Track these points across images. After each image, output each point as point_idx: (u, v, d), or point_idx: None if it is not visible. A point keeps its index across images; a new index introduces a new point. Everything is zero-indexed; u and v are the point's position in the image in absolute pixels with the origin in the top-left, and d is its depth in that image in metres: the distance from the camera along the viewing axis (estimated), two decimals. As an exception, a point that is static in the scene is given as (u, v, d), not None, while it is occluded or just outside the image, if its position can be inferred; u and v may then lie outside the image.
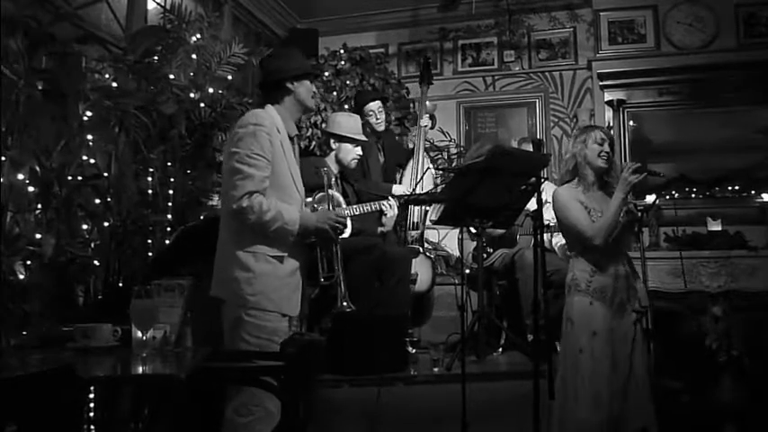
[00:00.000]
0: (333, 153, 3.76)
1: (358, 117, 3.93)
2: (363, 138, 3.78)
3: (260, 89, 2.67)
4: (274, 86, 2.54)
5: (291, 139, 2.54)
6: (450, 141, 5.82)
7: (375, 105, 4.26)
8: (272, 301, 2.33)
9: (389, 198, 3.74)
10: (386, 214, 3.71)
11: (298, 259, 2.45)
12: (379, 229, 3.89)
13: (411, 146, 4.70)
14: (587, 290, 2.73)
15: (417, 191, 3.98)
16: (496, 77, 6.07)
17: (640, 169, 2.76)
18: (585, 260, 2.78)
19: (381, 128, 4.32)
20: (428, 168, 4.31)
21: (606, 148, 2.83)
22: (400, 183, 4.32)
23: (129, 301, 2.03)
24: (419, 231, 4.29)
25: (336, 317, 3.08)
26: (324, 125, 4.69)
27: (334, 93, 5.06)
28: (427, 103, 4.50)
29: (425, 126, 4.47)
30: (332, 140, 3.76)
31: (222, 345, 2.40)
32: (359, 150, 3.76)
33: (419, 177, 4.19)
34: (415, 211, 4.29)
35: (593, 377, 2.64)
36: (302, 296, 2.51)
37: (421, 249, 4.20)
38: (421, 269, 4.06)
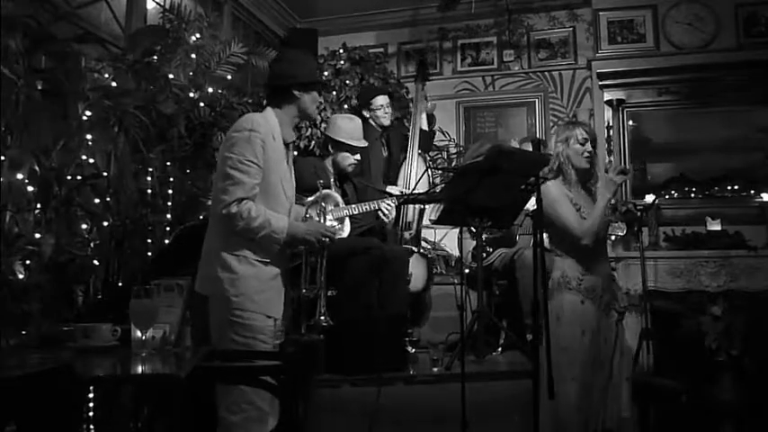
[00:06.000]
0: (331, 156, 3.77)
1: (359, 120, 3.90)
2: (362, 143, 3.77)
3: (266, 89, 2.67)
4: (280, 90, 2.54)
5: (287, 145, 2.56)
6: (449, 141, 5.82)
7: (383, 100, 4.32)
8: (256, 303, 2.37)
9: (391, 198, 3.72)
10: (386, 216, 3.70)
11: (280, 266, 2.48)
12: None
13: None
14: (578, 288, 2.73)
15: (413, 190, 3.98)
16: (496, 77, 6.07)
17: (626, 171, 2.77)
18: (573, 259, 2.78)
19: (387, 122, 4.35)
20: (427, 169, 4.31)
21: (588, 147, 2.81)
22: (396, 180, 4.32)
23: (129, 300, 2.03)
24: (413, 231, 4.29)
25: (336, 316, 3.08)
26: (323, 125, 4.70)
27: (334, 92, 5.06)
28: (428, 104, 4.50)
29: (426, 110, 4.43)
30: (329, 145, 3.77)
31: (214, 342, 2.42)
32: (357, 156, 3.76)
33: (417, 178, 4.19)
34: (410, 211, 4.29)
35: (578, 376, 2.64)
36: (285, 300, 2.54)
37: (415, 249, 4.20)
38: (415, 268, 4.05)
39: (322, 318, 2.61)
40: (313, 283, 2.61)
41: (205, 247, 2.48)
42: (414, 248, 4.17)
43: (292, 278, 2.64)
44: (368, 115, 4.29)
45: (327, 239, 2.52)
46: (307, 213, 2.73)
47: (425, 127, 4.49)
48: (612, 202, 2.80)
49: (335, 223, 3.44)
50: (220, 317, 2.37)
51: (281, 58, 2.82)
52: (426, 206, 4.28)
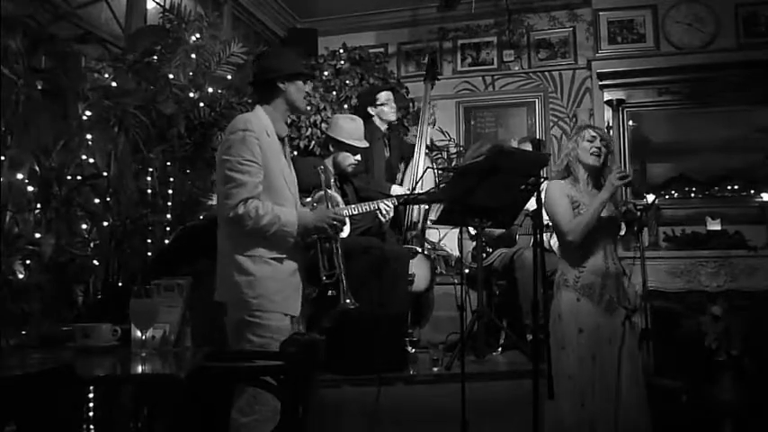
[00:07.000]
0: (331, 156, 3.76)
1: (360, 121, 3.89)
2: (363, 144, 3.77)
3: (252, 88, 2.68)
4: (265, 86, 2.55)
5: (282, 139, 2.55)
6: (449, 141, 5.82)
7: (387, 95, 4.33)
8: (274, 302, 2.37)
9: (390, 199, 3.71)
10: (383, 216, 3.69)
11: (296, 260, 2.47)
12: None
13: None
14: (575, 286, 2.75)
15: (417, 190, 3.97)
16: (496, 77, 6.07)
17: (627, 177, 2.78)
18: (570, 257, 2.79)
19: (393, 117, 4.35)
20: (428, 168, 4.31)
21: (597, 144, 2.83)
22: (401, 182, 4.31)
23: (129, 300, 2.03)
24: (417, 231, 4.28)
25: (336, 316, 3.08)
26: (323, 125, 4.70)
27: (334, 92, 5.06)
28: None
29: (430, 120, 4.47)
30: (330, 145, 3.77)
31: (223, 344, 2.42)
32: (357, 156, 3.76)
33: (419, 177, 4.19)
34: (414, 211, 4.28)
35: (576, 375, 2.64)
36: (303, 296, 2.52)
37: (419, 249, 4.20)
38: (418, 269, 4.05)
39: (348, 301, 2.61)
40: (333, 268, 2.60)
41: (219, 254, 2.47)
42: (418, 249, 4.17)
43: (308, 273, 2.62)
44: (374, 113, 4.27)
45: (339, 223, 2.52)
46: (314, 205, 2.73)
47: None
48: (628, 201, 2.82)
49: (345, 211, 3.45)
50: (238, 318, 2.36)
51: (264, 54, 2.83)
52: (431, 206, 4.28)
